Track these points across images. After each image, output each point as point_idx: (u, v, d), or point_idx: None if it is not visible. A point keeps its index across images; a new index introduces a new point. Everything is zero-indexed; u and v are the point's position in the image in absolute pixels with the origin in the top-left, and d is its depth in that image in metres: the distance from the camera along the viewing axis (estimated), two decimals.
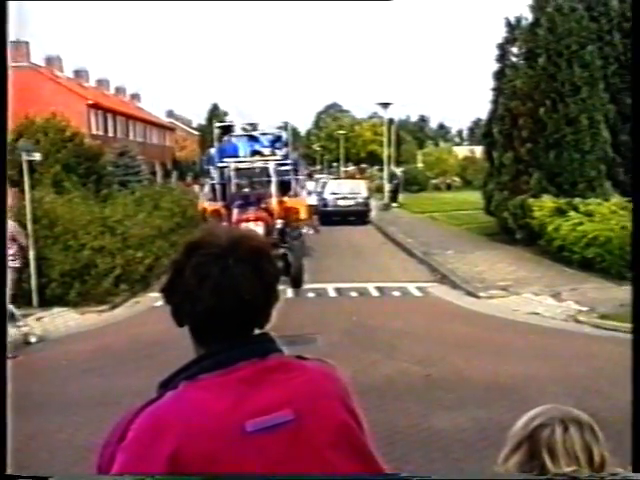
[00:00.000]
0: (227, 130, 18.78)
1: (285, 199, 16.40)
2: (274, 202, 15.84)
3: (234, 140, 17.76)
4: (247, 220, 14.86)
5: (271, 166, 16.25)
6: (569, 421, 1.91)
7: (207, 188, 18.11)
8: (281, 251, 15.28)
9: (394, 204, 41.62)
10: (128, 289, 14.96)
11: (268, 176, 16.20)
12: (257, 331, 1.91)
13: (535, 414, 1.95)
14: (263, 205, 15.82)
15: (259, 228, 14.54)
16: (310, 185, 25.97)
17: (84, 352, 10.87)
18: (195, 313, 1.83)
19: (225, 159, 16.49)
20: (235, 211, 15.58)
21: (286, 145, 17.87)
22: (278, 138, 18.01)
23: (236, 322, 1.83)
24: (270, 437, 1.75)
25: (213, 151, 17.82)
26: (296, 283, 15.24)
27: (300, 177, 18.98)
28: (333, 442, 1.81)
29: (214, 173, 17.00)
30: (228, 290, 1.79)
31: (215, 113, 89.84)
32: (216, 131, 18.60)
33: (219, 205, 16.31)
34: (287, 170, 16.98)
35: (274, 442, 1.75)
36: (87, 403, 7.75)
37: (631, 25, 2.92)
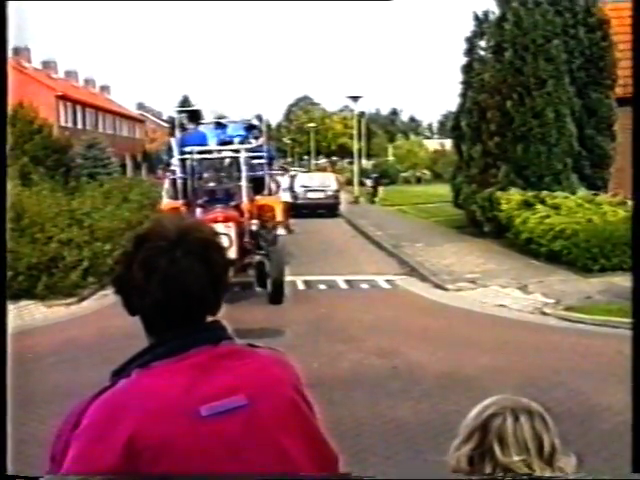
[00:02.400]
0: (193, 117, 16.67)
1: (258, 197, 14.75)
2: (245, 200, 14.00)
3: (201, 128, 16.04)
4: (214, 221, 12.70)
5: (242, 157, 14.40)
6: (520, 410, 1.94)
7: (167, 183, 15.90)
8: (256, 259, 13.81)
9: (376, 199, 41.34)
10: (96, 282, 14.82)
11: (238, 170, 14.43)
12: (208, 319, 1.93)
13: (487, 404, 1.99)
14: (232, 203, 14.02)
15: (230, 230, 12.92)
16: (284, 181, 24.96)
17: (51, 345, 10.80)
18: (144, 305, 1.85)
19: (188, 149, 14.69)
20: (198, 210, 13.73)
21: (260, 134, 15.84)
22: (251, 127, 16.07)
23: (185, 313, 1.85)
24: (224, 421, 1.77)
25: (174, 141, 15.54)
26: (275, 298, 13.25)
27: (274, 172, 17.18)
28: (286, 426, 1.85)
29: (175, 166, 15.01)
30: (176, 282, 1.81)
31: (186, 105, 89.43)
32: (178, 117, 16.28)
33: (179, 203, 14.21)
34: (260, 164, 15.14)
35: (228, 426, 1.78)
36: (52, 396, 7.72)
37: (631, 25, 2.97)
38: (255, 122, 16.53)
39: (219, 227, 12.32)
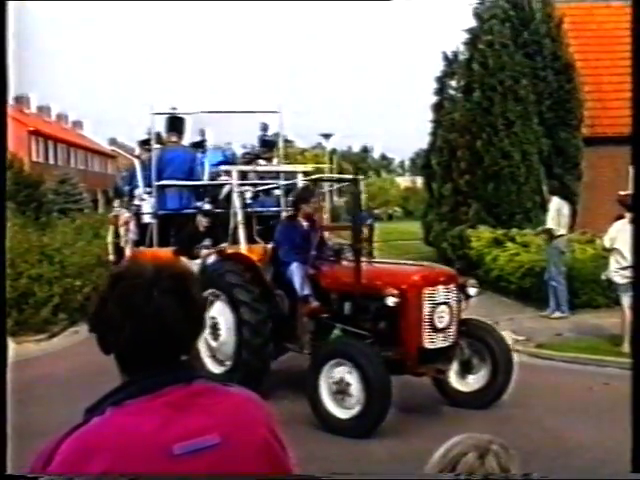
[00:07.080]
0: (174, 126, 11.80)
1: None
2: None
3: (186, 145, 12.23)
4: (434, 281, 8.08)
5: (281, 185, 10.84)
6: (484, 447, 1.96)
7: (132, 224, 11.74)
8: (462, 343, 8.50)
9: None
10: (67, 318, 14.70)
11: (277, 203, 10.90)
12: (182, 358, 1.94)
13: (452, 444, 1.99)
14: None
15: (452, 298, 8.17)
16: None
17: (20, 382, 10.64)
18: (119, 343, 1.85)
19: (172, 173, 11.02)
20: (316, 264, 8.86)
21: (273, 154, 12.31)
22: (264, 142, 12.00)
23: (160, 351, 1.86)
24: (197, 460, 1.78)
25: (139, 164, 12.10)
26: (492, 399, 8.68)
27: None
28: (258, 465, 1.87)
29: (144, 200, 11.54)
30: (152, 320, 1.81)
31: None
32: (152, 129, 11.85)
33: (165, 251, 10.41)
34: (274, 196, 11.73)
35: (201, 465, 1.79)
36: (21, 433, 7.62)
37: (631, 25, 3.06)
38: (270, 134, 12.72)
39: (440, 292, 8.03)
